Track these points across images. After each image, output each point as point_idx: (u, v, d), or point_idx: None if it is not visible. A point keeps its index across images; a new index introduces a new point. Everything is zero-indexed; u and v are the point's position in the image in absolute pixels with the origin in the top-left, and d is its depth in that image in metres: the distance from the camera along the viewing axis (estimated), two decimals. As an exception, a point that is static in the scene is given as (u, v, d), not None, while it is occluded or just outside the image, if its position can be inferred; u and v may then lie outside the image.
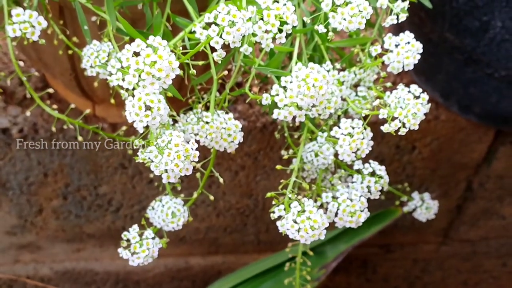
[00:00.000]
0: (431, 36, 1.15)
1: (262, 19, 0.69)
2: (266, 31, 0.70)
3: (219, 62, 0.71)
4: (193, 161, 0.67)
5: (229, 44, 0.69)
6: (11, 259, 1.50)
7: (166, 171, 0.67)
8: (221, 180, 0.82)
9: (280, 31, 0.70)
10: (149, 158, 0.67)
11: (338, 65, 0.80)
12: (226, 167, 1.33)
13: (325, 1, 0.74)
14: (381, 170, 0.81)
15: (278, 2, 0.70)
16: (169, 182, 0.87)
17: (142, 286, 1.65)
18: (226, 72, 0.78)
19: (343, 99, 0.81)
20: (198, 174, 0.86)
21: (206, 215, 1.45)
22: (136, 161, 0.69)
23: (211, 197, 0.89)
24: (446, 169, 1.42)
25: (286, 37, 0.72)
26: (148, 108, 0.64)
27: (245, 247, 1.57)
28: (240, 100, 1.26)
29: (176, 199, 0.84)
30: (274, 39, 0.71)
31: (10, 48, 0.82)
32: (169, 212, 0.82)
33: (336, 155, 0.81)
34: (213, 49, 0.78)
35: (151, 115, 0.64)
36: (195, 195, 0.85)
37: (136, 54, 0.64)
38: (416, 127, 0.74)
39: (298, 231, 0.75)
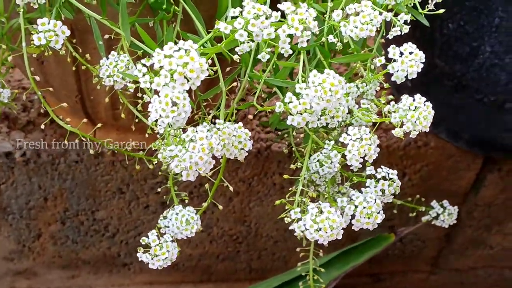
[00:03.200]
0: (421, 63, 1.19)
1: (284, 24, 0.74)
2: (288, 36, 0.75)
3: (238, 60, 0.75)
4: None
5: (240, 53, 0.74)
6: (6, 286, 1.52)
7: (186, 168, 0.70)
8: (231, 188, 0.85)
9: (302, 36, 0.75)
10: (169, 157, 0.71)
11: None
12: (220, 192, 1.36)
13: (335, 12, 0.79)
14: (393, 174, 0.86)
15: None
16: (176, 196, 0.91)
17: (134, 315, 1.66)
18: (235, 84, 0.83)
19: (349, 111, 0.85)
20: (207, 185, 0.89)
21: (199, 242, 1.47)
22: (154, 162, 0.73)
23: (220, 207, 0.92)
24: (435, 197, 1.44)
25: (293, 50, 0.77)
26: (174, 104, 0.68)
27: (237, 275, 1.59)
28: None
29: (189, 208, 0.87)
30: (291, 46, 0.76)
31: (27, 64, 0.86)
32: (183, 220, 0.86)
33: (343, 165, 0.85)
34: (222, 63, 0.83)
35: (177, 111, 0.68)
36: (204, 204, 0.88)
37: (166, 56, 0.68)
38: (427, 129, 0.79)
39: (318, 231, 0.79)
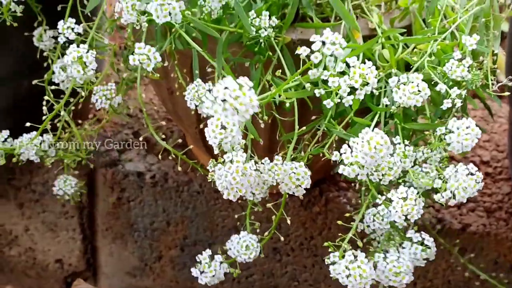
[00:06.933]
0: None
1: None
2: (350, 87, 0.84)
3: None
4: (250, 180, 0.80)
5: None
6: (128, 301, 1.64)
7: (224, 187, 0.80)
8: (288, 221, 0.93)
9: (360, 89, 0.84)
10: (217, 176, 0.81)
11: (407, 142, 0.91)
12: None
13: (392, 78, 0.88)
14: (428, 241, 0.90)
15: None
16: (249, 223, 1.00)
17: None
18: (304, 128, 0.91)
19: (406, 171, 0.91)
20: (274, 217, 0.97)
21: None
22: (209, 180, 0.83)
23: (282, 238, 0.99)
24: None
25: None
26: (223, 127, 0.79)
27: None
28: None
29: (252, 235, 0.96)
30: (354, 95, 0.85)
31: (138, 84, 0.97)
32: (244, 245, 0.95)
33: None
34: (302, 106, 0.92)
35: (224, 134, 0.79)
36: (266, 234, 0.97)
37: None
38: (464, 200, 0.84)
39: (348, 277, 0.85)
